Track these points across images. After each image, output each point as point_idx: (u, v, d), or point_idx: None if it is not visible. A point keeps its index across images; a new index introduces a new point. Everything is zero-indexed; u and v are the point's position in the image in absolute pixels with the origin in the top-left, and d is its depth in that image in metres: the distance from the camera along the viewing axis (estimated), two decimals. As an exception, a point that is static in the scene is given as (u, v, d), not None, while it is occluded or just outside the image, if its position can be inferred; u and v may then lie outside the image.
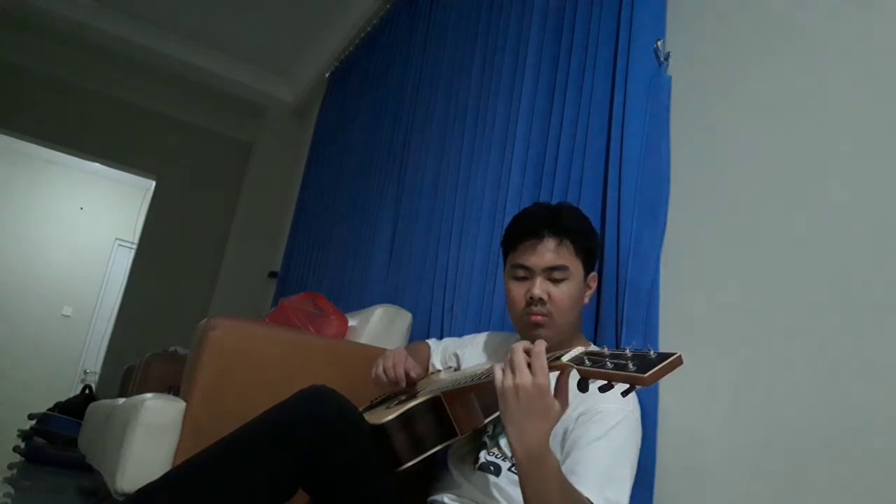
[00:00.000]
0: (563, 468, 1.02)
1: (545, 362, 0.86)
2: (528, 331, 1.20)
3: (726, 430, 1.13)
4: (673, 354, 0.72)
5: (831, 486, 0.96)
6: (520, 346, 0.90)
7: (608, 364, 0.75)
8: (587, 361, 0.78)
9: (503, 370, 0.89)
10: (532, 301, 1.16)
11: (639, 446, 1.08)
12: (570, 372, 0.86)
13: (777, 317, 1.10)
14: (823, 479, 0.97)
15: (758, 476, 1.06)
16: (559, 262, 1.17)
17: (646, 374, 0.70)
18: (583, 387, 0.78)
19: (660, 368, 0.70)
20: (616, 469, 1.01)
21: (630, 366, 0.72)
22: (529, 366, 0.87)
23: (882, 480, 0.90)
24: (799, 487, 1.00)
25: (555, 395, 0.87)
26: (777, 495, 1.02)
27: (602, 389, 0.76)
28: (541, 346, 0.88)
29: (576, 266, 1.19)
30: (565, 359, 0.82)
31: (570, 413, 1.07)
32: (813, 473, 0.99)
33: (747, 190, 1.23)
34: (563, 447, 1.07)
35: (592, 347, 0.82)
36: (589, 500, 0.94)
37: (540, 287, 1.16)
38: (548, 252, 1.17)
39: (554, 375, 0.88)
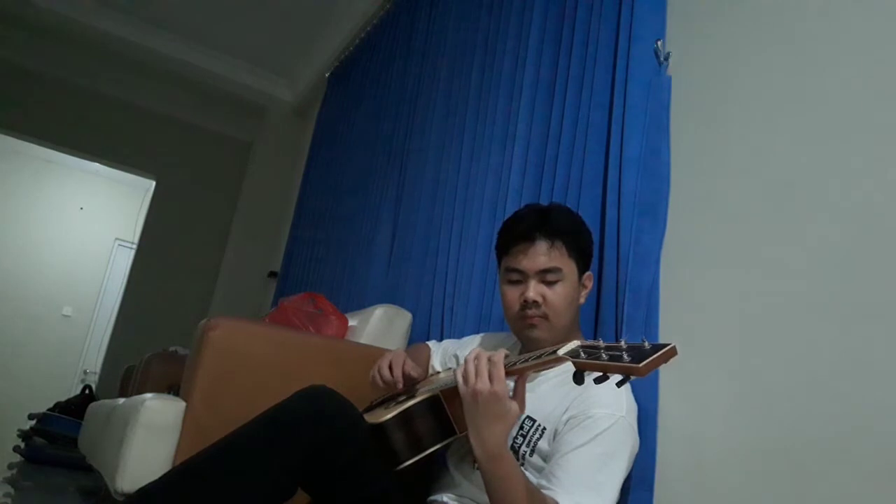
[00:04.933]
0: (546, 470, 1.03)
1: (503, 372, 0.92)
2: (524, 333, 1.20)
3: (726, 430, 1.13)
4: (667, 345, 0.73)
5: (831, 486, 0.96)
6: (473, 354, 0.96)
7: (603, 356, 0.76)
8: (582, 354, 0.79)
9: (463, 378, 0.95)
10: (527, 304, 1.16)
11: (631, 453, 1.08)
12: (527, 375, 0.94)
13: (777, 317, 1.10)
14: (823, 478, 0.97)
15: (758, 476, 1.06)
16: (552, 264, 1.17)
17: (640, 364, 0.70)
18: (578, 379, 0.79)
19: (654, 358, 0.71)
20: (597, 476, 1.00)
21: (625, 357, 0.73)
22: (490, 373, 0.93)
23: (882, 480, 0.90)
24: (799, 487, 1.00)
25: (513, 397, 0.94)
26: (777, 495, 1.02)
27: (597, 381, 0.76)
28: (500, 355, 0.94)
29: (569, 267, 1.19)
30: (561, 352, 0.83)
31: (562, 415, 1.08)
32: (813, 473, 0.99)
33: (747, 190, 1.23)
34: (550, 447, 1.07)
35: (588, 341, 0.83)
36: (555, 502, 0.95)
37: (534, 290, 1.16)
38: (540, 255, 1.17)
39: (511, 380, 0.95)
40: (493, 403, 0.91)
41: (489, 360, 0.94)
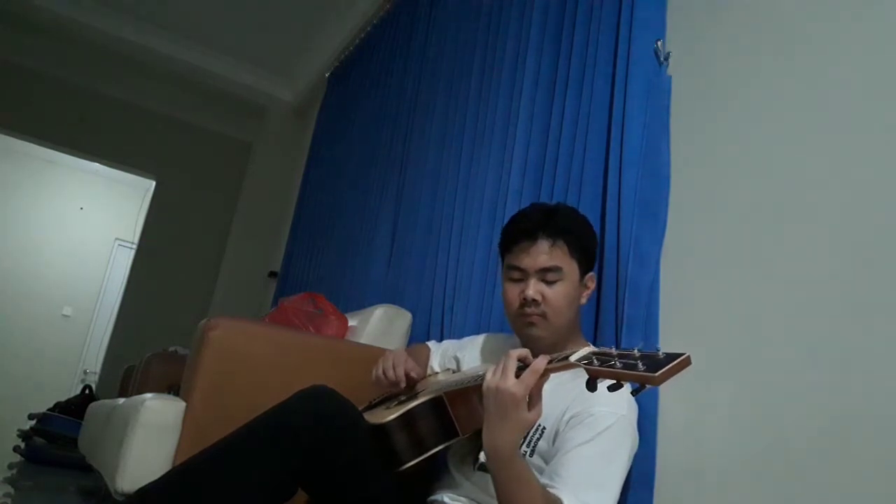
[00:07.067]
0: (548, 469, 1.03)
1: (533, 380, 0.88)
2: (523, 331, 1.20)
3: (726, 430, 1.13)
4: (682, 354, 0.72)
5: (831, 487, 0.96)
6: (515, 353, 0.92)
7: (617, 364, 0.75)
8: (596, 361, 0.79)
9: (493, 370, 0.93)
10: (526, 302, 1.17)
11: (632, 450, 1.08)
12: (546, 380, 0.89)
13: (777, 317, 1.10)
14: (823, 479, 0.97)
15: (758, 476, 1.06)
16: (552, 263, 1.17)
17: (656, 374, 0.70)
18: (591, 386, 0.79)
19: (669, 368, 0.71)
20: (600, 473, 1.01)
21: (640, 365, 0.72)
22: (517, 373, 0.89)
23: (882, 481, 0.90)
24: (799, 488, 1.00)
25: (529, 400, 0.89)
26: (777, 496, 1.02)
27: (611, 389, 0.76)
28: (541, 363, 0.88)
29: (570, 267, 1.19)
30: (573, 358, 0.83)
31: (563, 415, 1.08)
32: (813, 474, 0.99)
33: (747, 190, 1.23)
34: (553, 446, 1.07)
35: (600, 347, 0.82)
36: (561, 501, 0.94)
37: (534, 288, 1.16)
38: (541, 254, 1.17)
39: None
40: (510, 406, 0.88)
41: (522, 359, 0.91)
